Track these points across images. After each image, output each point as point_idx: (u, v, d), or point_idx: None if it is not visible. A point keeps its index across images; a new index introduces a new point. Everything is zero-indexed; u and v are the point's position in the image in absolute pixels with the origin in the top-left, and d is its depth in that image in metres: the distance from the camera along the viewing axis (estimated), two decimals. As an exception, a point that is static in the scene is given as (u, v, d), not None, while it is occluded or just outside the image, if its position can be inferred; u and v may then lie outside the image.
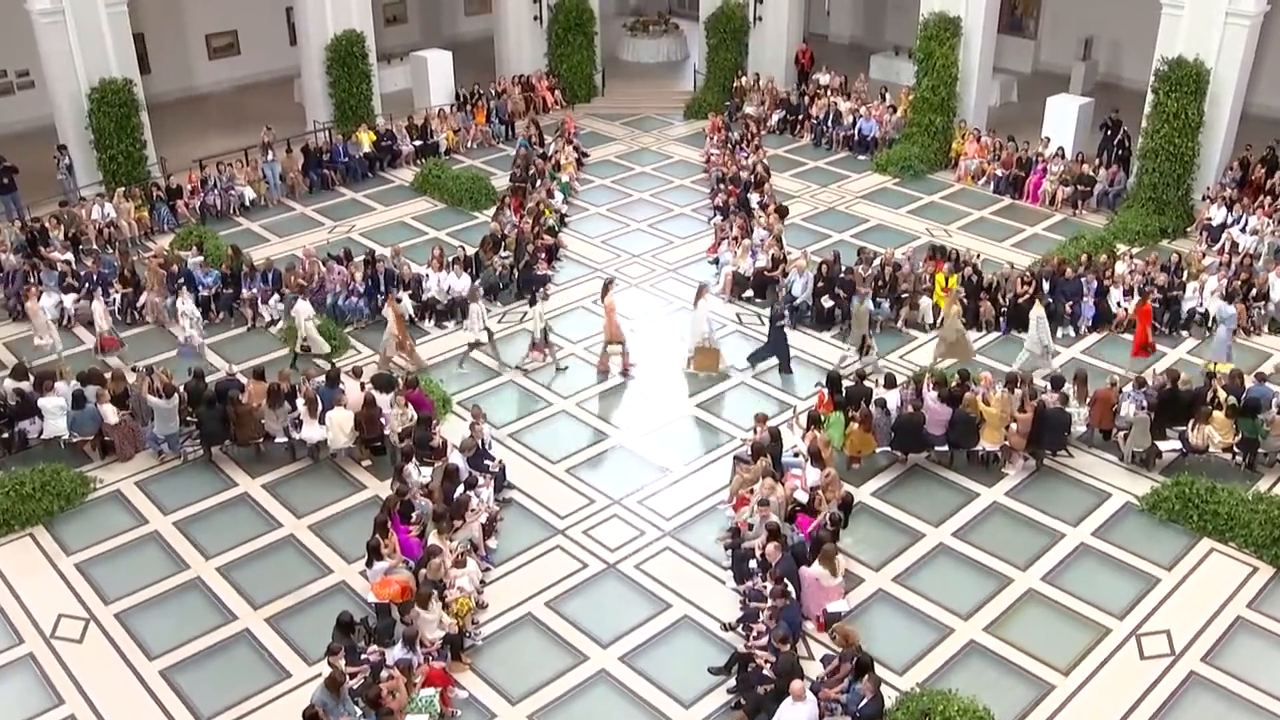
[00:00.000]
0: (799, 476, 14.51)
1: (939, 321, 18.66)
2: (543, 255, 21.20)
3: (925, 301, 19.23)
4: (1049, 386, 15.82)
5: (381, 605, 12.81)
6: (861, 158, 27.05)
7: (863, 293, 18.62)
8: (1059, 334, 18.88)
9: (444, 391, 17.32)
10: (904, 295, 19.34)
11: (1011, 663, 12.48)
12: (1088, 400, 15.87)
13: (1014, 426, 15.34)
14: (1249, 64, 22.07)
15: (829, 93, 28.93)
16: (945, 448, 15.70)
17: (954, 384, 15.82)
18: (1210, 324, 18.84)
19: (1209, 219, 22.04)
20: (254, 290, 19.61)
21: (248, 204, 24.25)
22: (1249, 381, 16.02)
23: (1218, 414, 15.32)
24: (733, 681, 12.06)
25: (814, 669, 12.14)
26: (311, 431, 15.75)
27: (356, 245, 21.88)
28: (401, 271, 19.84)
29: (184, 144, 26.22)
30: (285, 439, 15.97)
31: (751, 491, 14.16)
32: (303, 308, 18.35)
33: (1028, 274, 19.51)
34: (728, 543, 13.94)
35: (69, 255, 20.92)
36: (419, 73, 29.89)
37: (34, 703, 12.06)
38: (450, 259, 20.08)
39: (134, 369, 16.97)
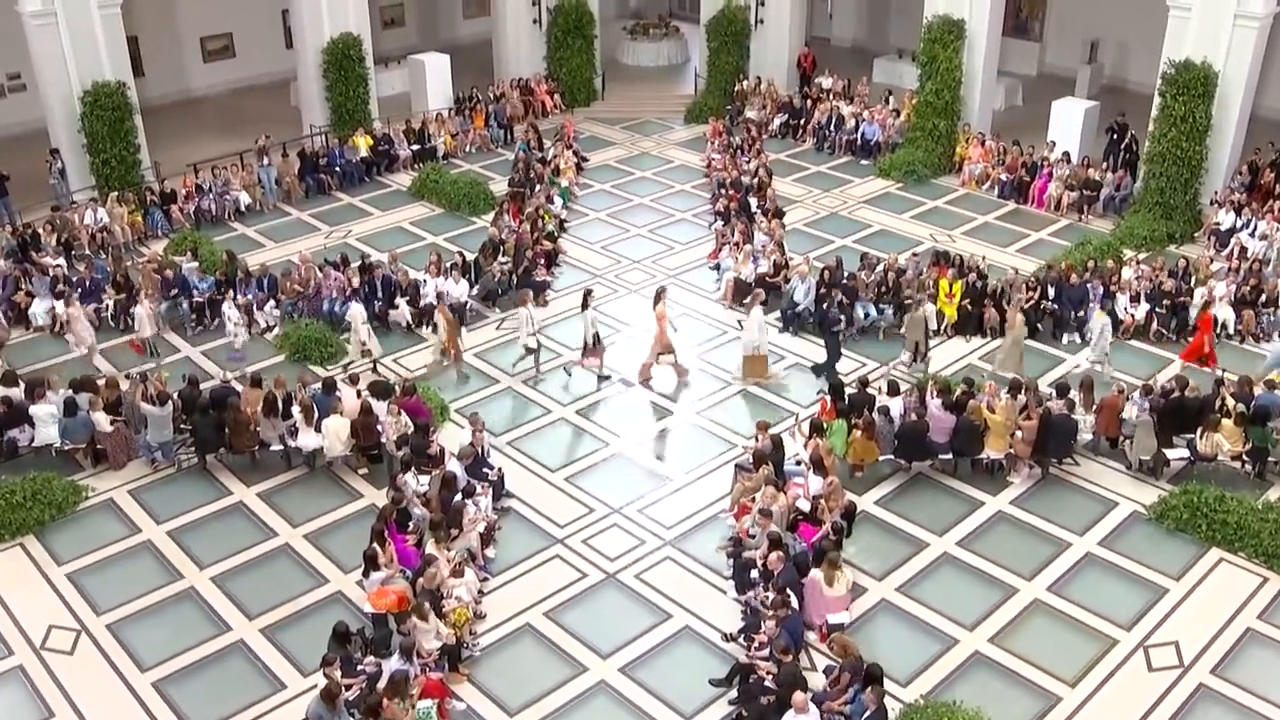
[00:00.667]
0: (801, 485, 14.51)
1: (998, 327, 18.72)
2: (541, 261, 21.20)
3: (929, 307, 19.20)
4: (1054, 393, 15.82)
5: (378, 615, 12.81)
6: (864, 162, 27.08)
7: (919, 298, 18.53)
8: (1064, 340, 18.91)
9: (442, 399, 17.32)
10: (907, 301, 19.34)
11: (1017, 674, 12.47)
12: (1094, 408, 15.86)
13: (1019, 434, 15.34)
14: (1258, 66, 22.11)
15: (831, 96, 28.97)
16: (949, 456, 15.70)
17: (958, 391, 15.82)
18: (1218, 330, 18.85)
19: (1217, 224, 22.05)
20: (249, 296, 19.61)
21: (243, 209, 24.27)
22: (1258, 389, 16.01)
23: (1226, 422, 15.31)
24: (734, 693, 12.05)
25: (817, 680, 12.12)
26: (307, 439, 15.75)
27: (353, 251, 21.93)
28: (399, 277, 19.85)
29: (178, 148, 26.26)
30: (281, 447, 15.97)
31: (753, 500, 14.15)
32: (358, 310, 18.35)
33: (1032, 280, 19.52)
34: (729, 551, 13.94)
35: (61, 261, 20.93)
36: (416, 76, 29.93)
37: (24, 716, 12.04)
38: (449, 264, 20.08)
39: (127, 375, 16.98)
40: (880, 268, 19.93)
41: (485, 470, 15.17)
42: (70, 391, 16.03)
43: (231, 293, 19.41)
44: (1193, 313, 18.98)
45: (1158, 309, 19.07)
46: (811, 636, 12.86)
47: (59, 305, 19.47)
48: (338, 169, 25.74)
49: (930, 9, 25.75)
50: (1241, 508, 14.37)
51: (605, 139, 29.13)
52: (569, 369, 18.20)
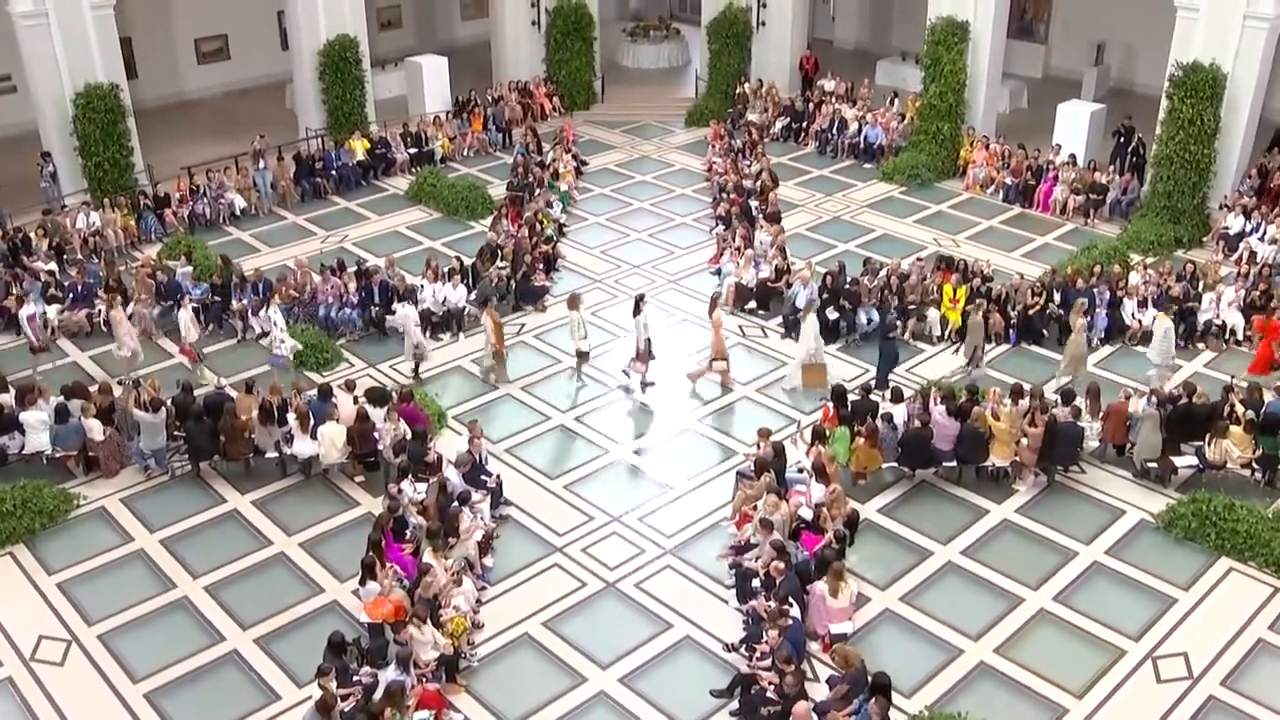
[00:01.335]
0: (803, 493, 14.51)
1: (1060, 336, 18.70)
2: (540, 266, 21.22)
3: (932, 313, 19.24)
4: (1060, 400, 15.81)
5: (374, 625, 12.81)
6: (867, 166, 27.10)
7: (978, 303, 18.49)
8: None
9: (439, 406, 17.32)
10: (911, 307, 19.35)
11: (1023, 685, 12.45)
12: (1101, 414, 15.86)
13: (1024, 441, 15.33)
14: (1268, 68, 22.09)
15: (834, 99, 29.01)
16: (954, 463, 15.69)
17: (963, 398, 15.82)
18: (1227, 336, 18.86)
19: (1226, 228, 22.06)
20: (244, 301, 19.62)
21: (238, 213, 24.30)
22: (1269, 396, 16.00)
23: (1235, 429, 15.30)
24: (736, 704, 12.04)
25: (819, 691, 12.09)
26: (303, 446, 15.74)
27: (350, 255, 21.94)
28: (396, 282, 19.86)
29: (172, 151, 26.32)
30: (276, 454, 15.96)
31: (755, 508, 14.15)
32: (409, 313, 18.32)
33: (1038, 285, 19.53)
34: (732, 560, 13.93)
35: (52, 265, 20.94)
36: (414, 79, 29.98)
37: (14, 727, 12.04)
38: (446, 269, 20.08)
39: (120, 382, 16.98)
40: (884, 273, 19.93)
41: (484, 478, 15.16)
42: (62, 398, 16.03)
43: (275, 298, 19.22)
44: (1201, 318, 18.98)
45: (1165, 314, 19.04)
46: (814, 647, 12.84)
47: (50, 310, 19.51)
48: (334, 172, 25.77)
49: (934, 10, 25.78)
50: (1252, 516, 14.35)
51: (605, 142, 29.16)
52: (629, 371, 18.18)
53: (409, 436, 15.54)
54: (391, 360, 18.91)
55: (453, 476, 14.72)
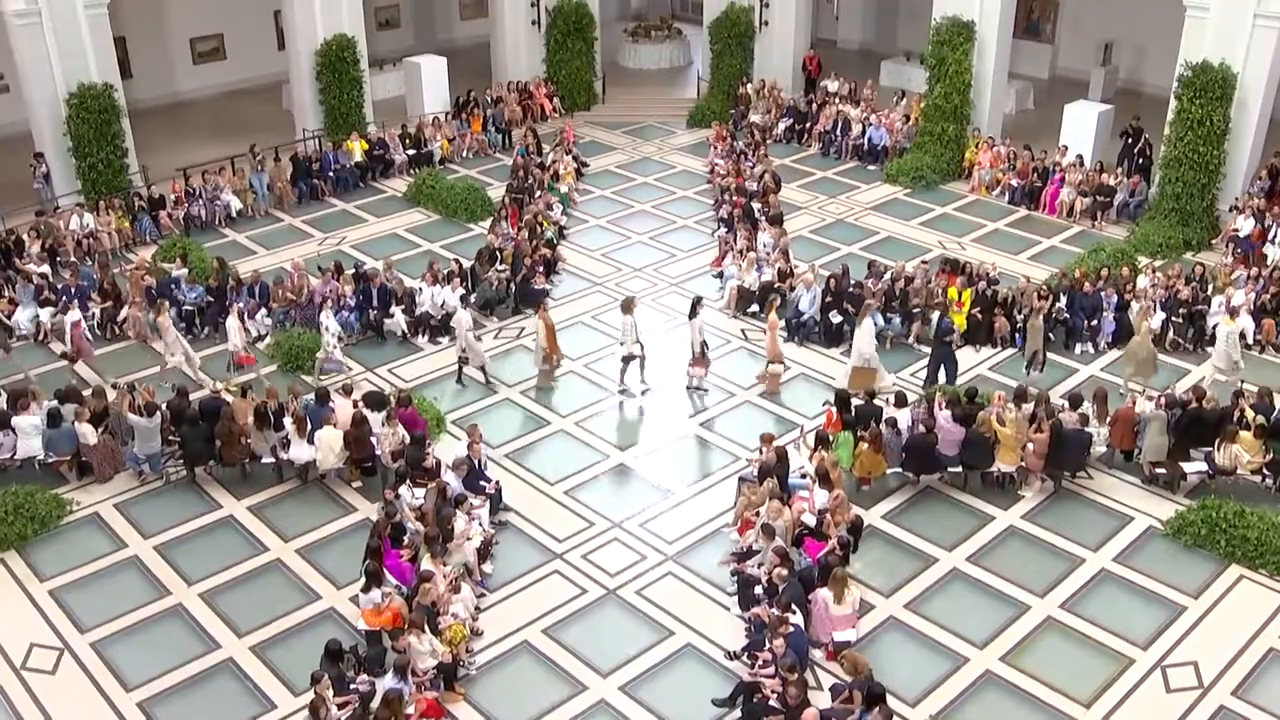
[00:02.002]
0: (806, 499, 14.50)
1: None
2: (540, 269, 21.22)
3: (936, 316, 19.20)
4: (1066, 405, 15.81)
5: (372, 632, 12.81)
6: (871, 167, 27.13)
7: (1038, 307, 18.46)
8: (1077, 350, 18.92)
9: (438, 410, 17.32)
10: (915, 310, 19.36)
11: (1030, 694, 12.44)
12: (1108, 420, 15.85)
13: (1030, 447, 15.33)
14: (1279, 68, 22.10)
15: (838, 100, 29.03)
16: (959, 469, 15.69)
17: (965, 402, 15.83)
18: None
19: (1236, 230, 22.04)
20: (240, 305, 19.63)
21: (234, 215, 24.33)
22: (1279, 401, 15.99)
23: (1245, 434, 15.28)
24: (738, 713, 12.03)
25: (821, 700, 12.07)
26: (300, 451, 15.75)
27: (347, 258, 21.95)
28: (394, 285, 19.87)
29: (167, 152, 26.34)
30: (272, 459, 15.96)
31: (757, 514, 14.15)
32: (464, 317, 18.29)
33: (1044, 288, 19.52)
34: (734, 566, 13.93)
35: (46, 268, 20.96)
36: (412, 79, 30.01)
37: (5, 736, 12.05)
38: (445, 272, 20.09)
39: (114, 385, 16.98)
40: (888, 276, 19.93)
41: (483, 483, 15.17)
42: (55, 402, 16.04)
43: (329, 302, 19.13)
44: (1210, 322, 18.97)
45: (1174, 318, 19.06)
46: (818, 654, 12.84)
47: (43, 314, 19.54)
48: (331, 174, 25.80)
49: (939, 10, 25.80)
50: (1262, 523, 14.33)
51: (606, 143, 29.18)
52: (689, 374, 18.17)
53: (407, 441, 15.55)
54: (389, 364, 18.93)
55: (452, 481, 14.72)
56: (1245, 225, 21.87)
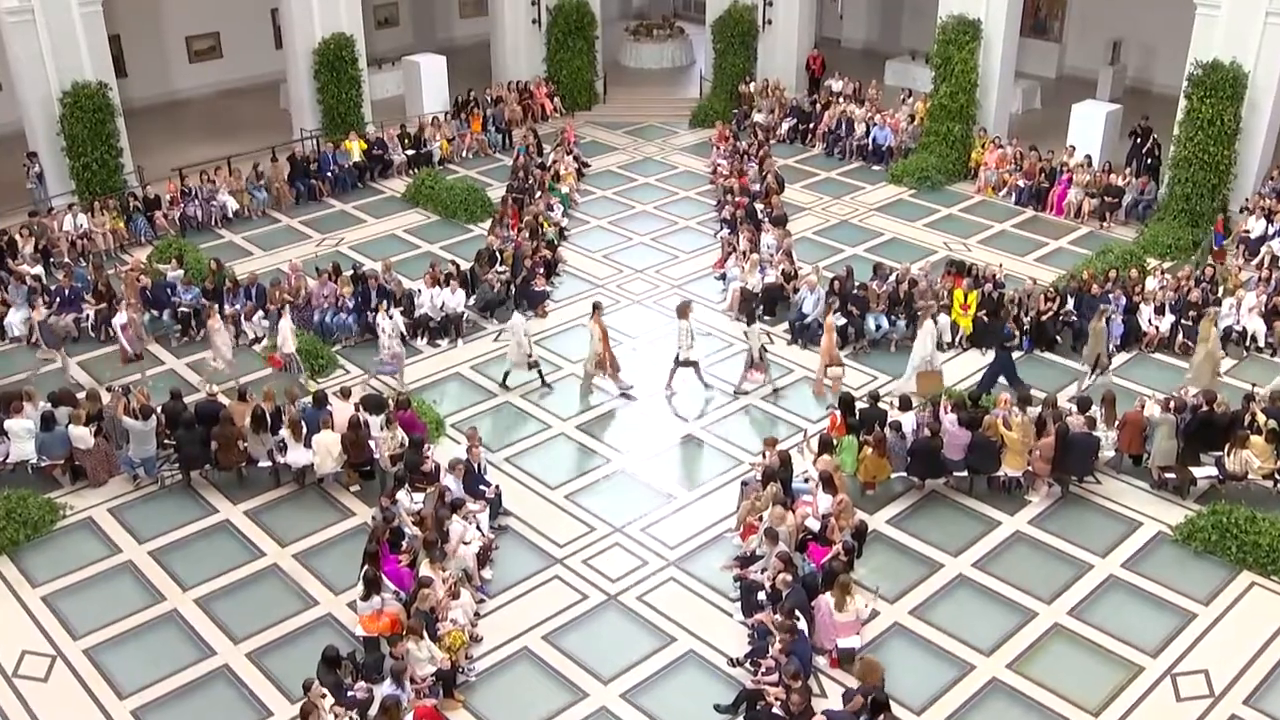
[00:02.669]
0: (810, 503, 14.49)
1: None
2: (540, 270, 21.22)
3: (943, 319, 19.20)
4: (1074, 408, 15.79)
5: (370, 639, 12.80)
6: (876, 168, 27.13)
7: (1102, 309, 18.32)
8: (1084, 353, 18.90)
9: (437, 414, 17.32)
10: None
11: (1037, 702, 12.42)
12: (1116, 423, 15.83)
13: (1036, 451, 15.30)
14: (1291, 67, 22.10)
15: (841, 100, 29.03)
16: (965, 473, 15.68)
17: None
18: (1248, 343, 18.83)
19: (1247, 231, 22.03)
20: (237, 306, 19.63)
21: (230, 215, 24.33)
22: (1290, 404, 15.98)
23: (1256, 439, 15.25)
24: (741, 720, 12.03)
25: (833, 705, 12.06)
26: (297, 455, 15.74)
27: (345, 259, 21.96)
28: (393, 287, 19.87)
29: (162, 152, 26.38)
30: (269, 463, 15.95)
31: (760, 519, 14.13)
32: (519, 320, 18.20)
33: (1051, 290, 19.51)
34: (736, 572, 13.92)
35: (39, 269, 20.96)
36: (411, 78, 30.04)
37: (-3, 744, 12.05)
38: (444, 274, 20.08)
39: (109, 388, 16.98)
40: (893, 278, 19.93)
41: (482, 488, 15.16)
42: (48, 405, 16.02)
43: (385, 304, 18.86)
44: (1221, 324, 18.90)
45: (1183, 320, 19.04)
46: (821, 661, 12.82)
47: (35, 315, 19.54)
48: (329, 174, 25.81)
49: (945, 9, 25.80)
50: (1274, 529, 14.29)
51: (607, 144, 29.20)
52: (777, 386, 18.18)
53: (406, 445, 15.54)
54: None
55: (452, 485, 14.71)
56: (1256, 226, 21.87)
